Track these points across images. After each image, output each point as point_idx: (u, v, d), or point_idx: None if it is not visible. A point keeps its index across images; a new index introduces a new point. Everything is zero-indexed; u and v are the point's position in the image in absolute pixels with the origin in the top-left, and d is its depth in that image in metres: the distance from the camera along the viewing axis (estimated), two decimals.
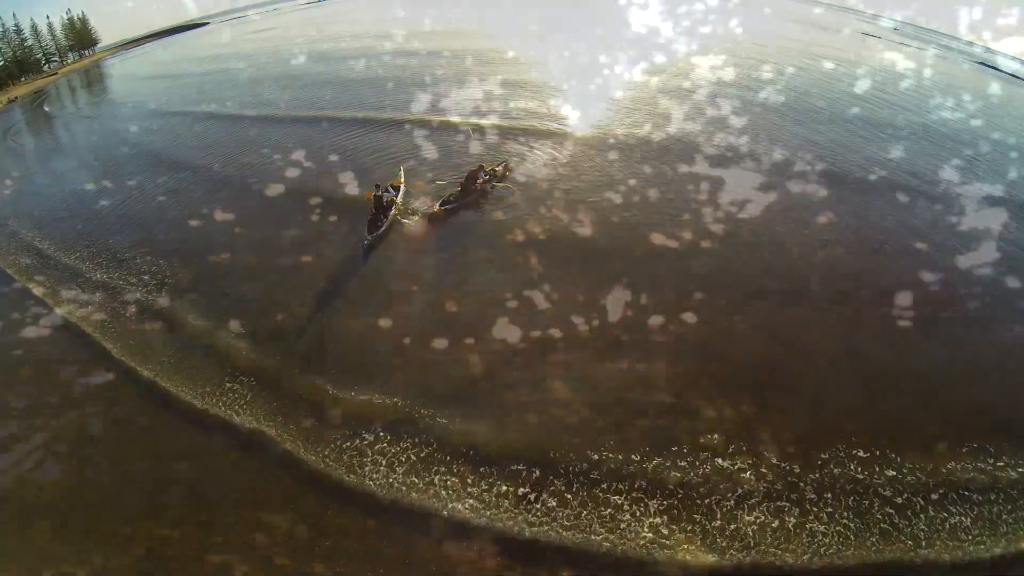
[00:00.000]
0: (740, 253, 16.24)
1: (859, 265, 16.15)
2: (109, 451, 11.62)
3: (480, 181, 20.47)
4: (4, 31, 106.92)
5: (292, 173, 22.82)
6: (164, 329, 15.04)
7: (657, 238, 16.70)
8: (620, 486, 9.70)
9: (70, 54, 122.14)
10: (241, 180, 23.55)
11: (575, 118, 27.02)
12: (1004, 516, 9.16)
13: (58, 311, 16.55)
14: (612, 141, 23.92)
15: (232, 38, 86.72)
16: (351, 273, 16.77)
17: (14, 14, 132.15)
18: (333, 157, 23.88)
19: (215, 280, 17.05)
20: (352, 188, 20.76)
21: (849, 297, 14.57)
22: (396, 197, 20.25)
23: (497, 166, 22.02)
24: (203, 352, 14.00)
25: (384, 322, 14.15)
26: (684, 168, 21.17)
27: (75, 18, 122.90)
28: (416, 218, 19.32)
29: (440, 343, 13.18)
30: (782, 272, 15.61)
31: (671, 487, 9.61)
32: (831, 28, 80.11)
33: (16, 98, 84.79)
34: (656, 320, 13.35)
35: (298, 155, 24.18)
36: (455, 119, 26.92)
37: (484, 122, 26.30)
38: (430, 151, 23.78)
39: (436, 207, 19.41)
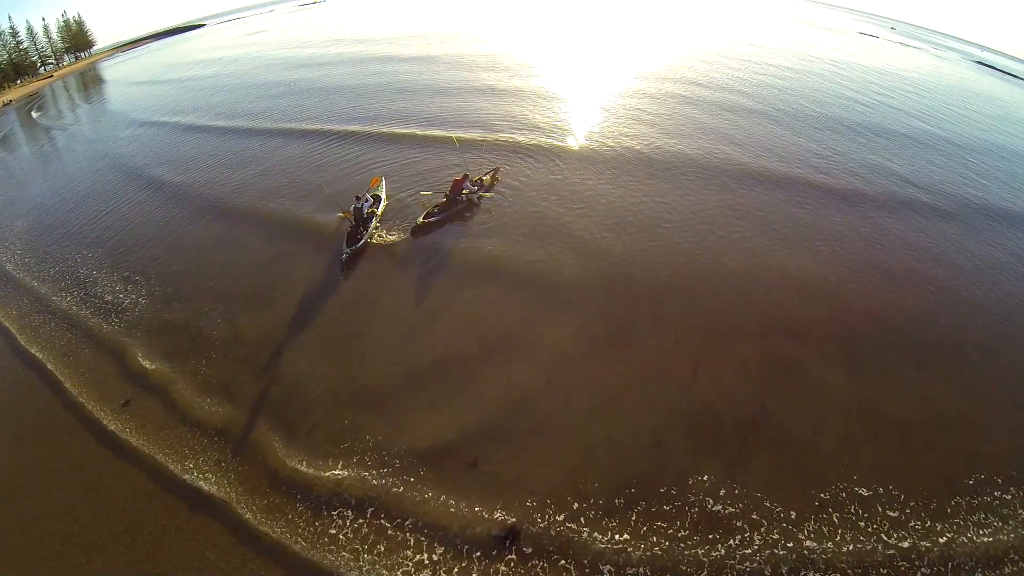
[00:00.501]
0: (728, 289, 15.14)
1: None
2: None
3: (466, 192, 19.31)
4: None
5: (263, 190, 21.53)
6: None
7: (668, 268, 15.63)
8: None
9: (66, 56, 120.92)
10: (208, 199, 21.99)
11: (572, 127, 25.79)
12: None
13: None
14: (608, 154, 22.76)
15: (223, 42, 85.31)
16: (321, 304, 14.99)
17: (9, 16, 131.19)
18: (310, 175, 22.37)
19: (171, 307, 15.78)
20: (329, 209, 19.10)
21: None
22: (377, 207, 19.15)
23: (485, 175, 20.81)
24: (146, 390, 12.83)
25: (349, 370, 12.75)
26: (687, 186, 19.96)
27: (71, 20, 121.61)
28: (393, 238, 17.99)
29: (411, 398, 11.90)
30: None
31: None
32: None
33: (11, 101, 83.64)
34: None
35: (272, 170, 23.00)
36: (439, 132, 25.39)
37: (470, 135, 24.88)
38: (415, 162, 22.51)
39: (420, 219, 18.26)
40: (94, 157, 30.71)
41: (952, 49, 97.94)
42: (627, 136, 23.98)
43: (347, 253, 16.88)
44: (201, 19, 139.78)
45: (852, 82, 38.73)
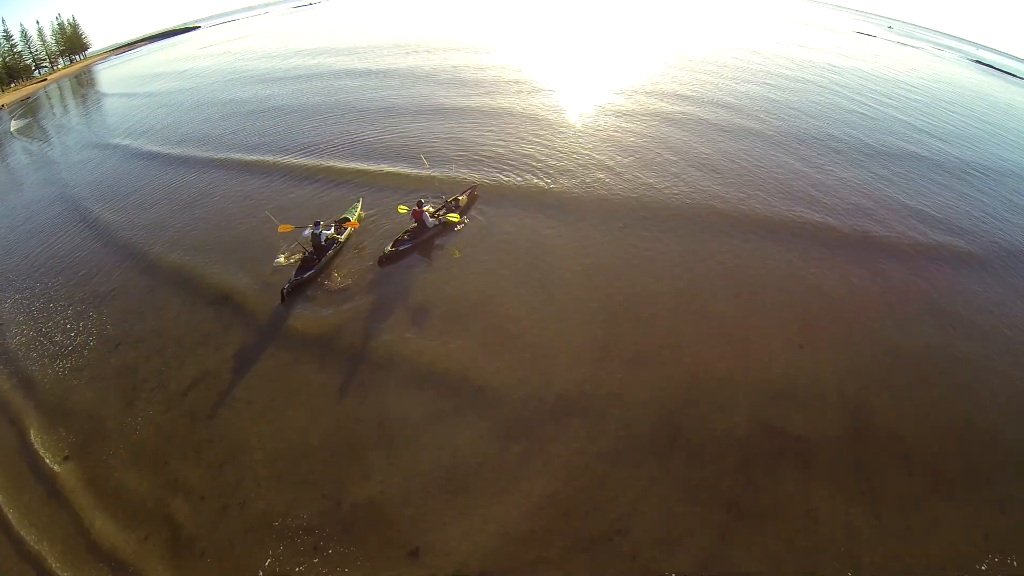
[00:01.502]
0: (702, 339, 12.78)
1: None
2: None
3: (438, 213, 17.62)
4: None
5: (197, 241, 18.81)
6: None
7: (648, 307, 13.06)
8: None
9: (61, 59, 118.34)
10: (150, 238, 19.45)
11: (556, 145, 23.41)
12: None
13: None
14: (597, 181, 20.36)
15: (201, 50, 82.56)
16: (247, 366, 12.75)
17: (3, 19, 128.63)
18: (253, 224, 19.03)
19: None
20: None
21: None
22: (340, 235, 17.19)
23: (461, 194, 18.90)
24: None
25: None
26: (663, 242, 17.26)
27: (65, 23, 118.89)
28: (345, 282, 15.74)
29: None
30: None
31: None
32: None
33: (3, 106, 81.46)
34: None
35: (214, 214, 20.43)
36: (390, 168, 22.23)
37: (393, 168, 21.97)
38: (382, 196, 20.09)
39: (388, 247, 16.37)
40: (45, 183, 28.29)
41: (949, 48, 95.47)
42: (601, 169, 20.83)
43: (290, 283, 15.01)
44: (196, 21, 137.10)
45: (853, 91, 36.13)
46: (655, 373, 11.59)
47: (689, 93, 31.63)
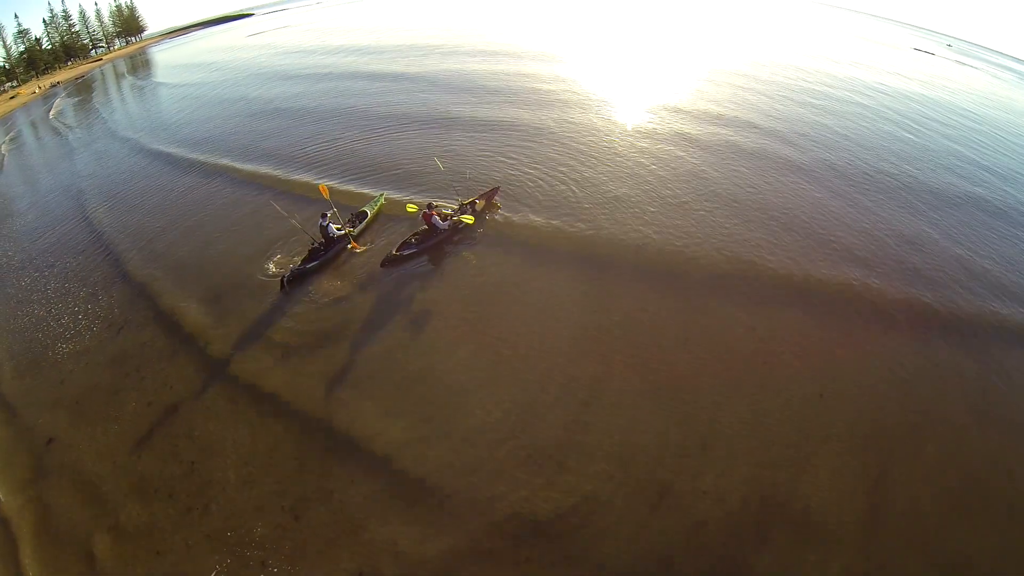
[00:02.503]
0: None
1: None
2: None
3: (452, 216, 16.71)
4: (53, 16, 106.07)
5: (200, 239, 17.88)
6: None
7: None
8: None
9: (116, 40, 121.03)
10: (136, 241, 18.63)
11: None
12: None
13: None
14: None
15: (262, 36, 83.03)
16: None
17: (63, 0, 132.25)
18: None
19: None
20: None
21: None
22: (353, 228, 16.93)
23: (477, 197, 17.80)
24: None
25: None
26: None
27: (123, 5, 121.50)
28: (342, 287, 14.96)
29: None
30: None
31: None
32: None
33: (59, 82, 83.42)
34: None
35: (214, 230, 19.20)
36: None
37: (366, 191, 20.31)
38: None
39: (394, 249, 15.73)
40: (64, 174, 27.97)
41: (1009, 69, 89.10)
42: (608, 210, 17.89)
43: (292, 271, 15.03)
44: (250, 8, 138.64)
45: (907, 117, 32.78)
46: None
47: (725, 113, 28.87)
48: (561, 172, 20.61)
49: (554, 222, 17.19)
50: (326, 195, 16.74)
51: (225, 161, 25.12)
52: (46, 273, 17.99)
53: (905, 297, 14.35)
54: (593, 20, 68.95)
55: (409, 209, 16.62)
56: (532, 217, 17.60)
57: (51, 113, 49.77)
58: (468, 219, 16.38)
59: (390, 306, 13.97)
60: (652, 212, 17.90)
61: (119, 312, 15.20)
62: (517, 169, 21.01)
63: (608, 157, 22.13)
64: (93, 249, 18.93)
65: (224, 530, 9.27)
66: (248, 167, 23.94)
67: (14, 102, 70.22)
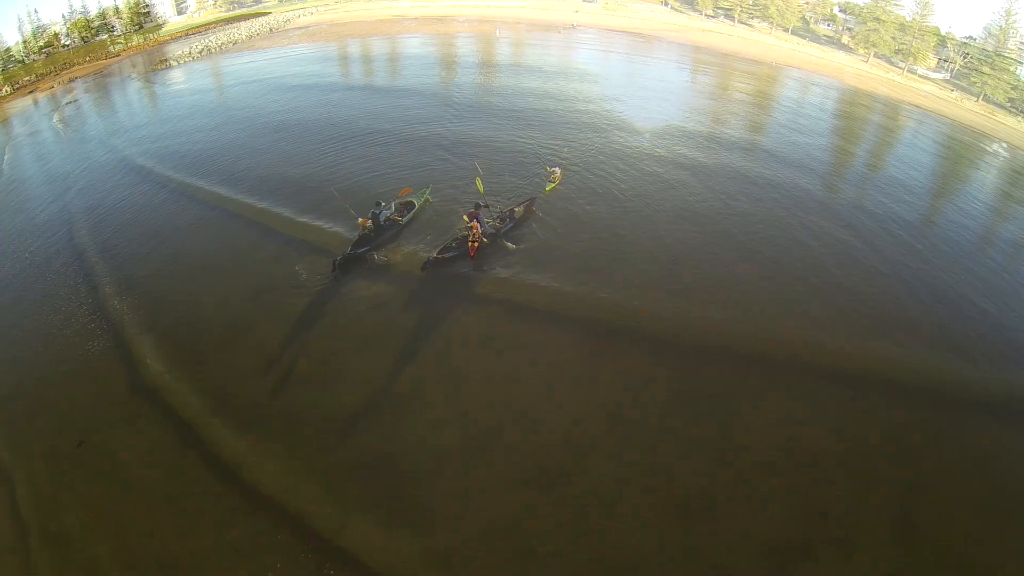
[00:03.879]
0: None
1: None
2: None
3: (490, 222, 16.83)
4: (71, 10, 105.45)
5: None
6: None
7: None
8: None
9: (135, 36, 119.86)
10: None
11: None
12: None
13: None
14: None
15: (271, 35, 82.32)
16: None
17: None
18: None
19: None
20: None
21: None
22: (401, 216, 17.56)
23: (517, 205, 17.78)
24: None
25: None
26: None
27: (140, 1, 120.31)
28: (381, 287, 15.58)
29: None
30: None
31: None
32: None
33: (76, 77, 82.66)
34: None
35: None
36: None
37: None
38: None
39: (433, 253, 16.21)
40: (57, 177, 27.45)
41: None
42: (579, 271, 16.62)
43: (344, 255, 15.51)
44: (267, 7, 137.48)
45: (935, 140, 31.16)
46: None
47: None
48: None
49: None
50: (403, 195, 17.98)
51: (230, 193, 23.95)
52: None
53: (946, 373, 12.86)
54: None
55: (465, 220, 16.97)
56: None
57: (63, 108, 48.75)
58: (509, 245, 15.87)
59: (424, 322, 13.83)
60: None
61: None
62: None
63: None
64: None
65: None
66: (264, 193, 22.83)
67: (30, 97, 69.44)
